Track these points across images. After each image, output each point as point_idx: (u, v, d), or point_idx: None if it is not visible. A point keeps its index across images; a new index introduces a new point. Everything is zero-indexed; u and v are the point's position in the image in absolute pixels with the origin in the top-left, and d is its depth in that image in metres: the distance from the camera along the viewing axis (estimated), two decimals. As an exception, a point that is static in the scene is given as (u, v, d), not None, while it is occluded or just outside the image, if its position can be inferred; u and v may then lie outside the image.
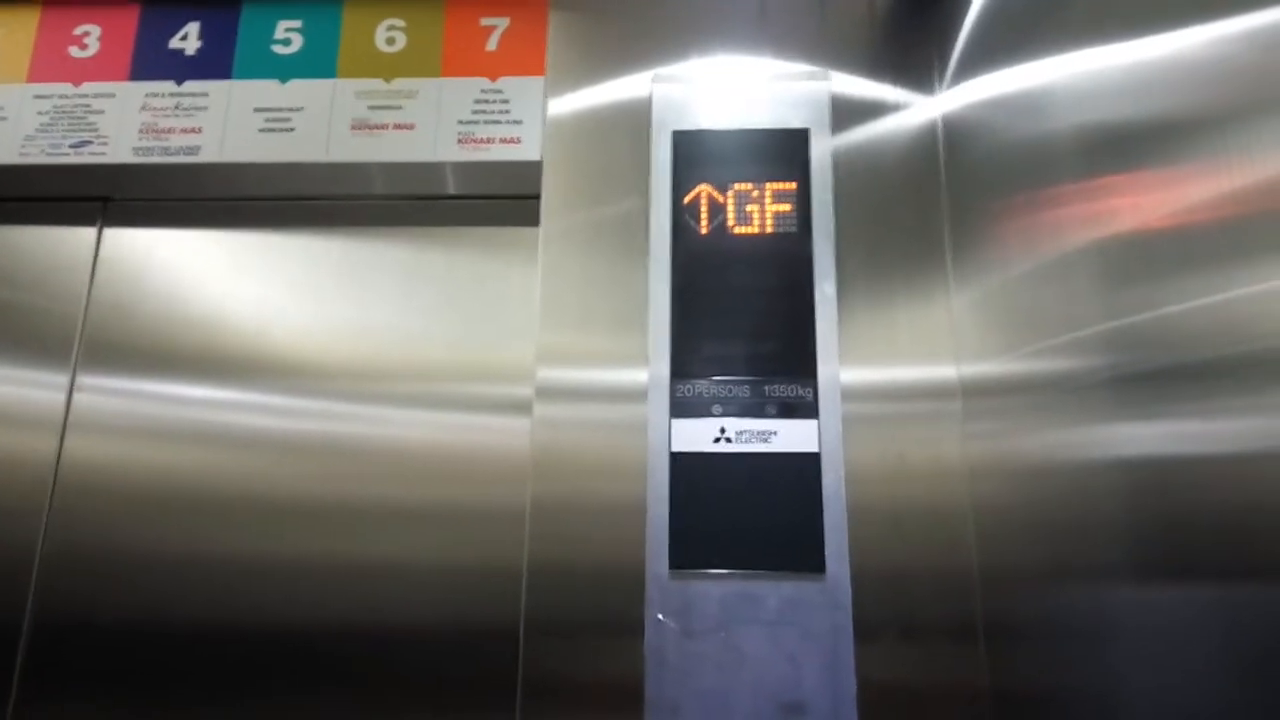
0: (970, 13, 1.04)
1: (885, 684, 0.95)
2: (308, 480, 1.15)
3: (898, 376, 1.04)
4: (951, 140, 1.08)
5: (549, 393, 1.06)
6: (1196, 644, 0.59)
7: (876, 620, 0.96)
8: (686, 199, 1.10)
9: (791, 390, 1.02)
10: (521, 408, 1.14)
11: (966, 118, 1.04)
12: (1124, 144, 0.69)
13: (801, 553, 0.98)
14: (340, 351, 1.20)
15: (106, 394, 1.21)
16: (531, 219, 1.14)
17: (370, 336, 1.20)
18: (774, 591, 0.97)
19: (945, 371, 1.04)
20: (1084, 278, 0.74)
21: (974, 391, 1.00)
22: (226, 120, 1.20)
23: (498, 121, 1.17)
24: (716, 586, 0.98)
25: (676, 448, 1.02)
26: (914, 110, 1.12)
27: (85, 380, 1.21)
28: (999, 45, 0.96)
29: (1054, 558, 0.81)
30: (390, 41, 1.21)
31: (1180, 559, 0.61)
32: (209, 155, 1.19)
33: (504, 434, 1.15)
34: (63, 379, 1.22)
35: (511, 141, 1.16)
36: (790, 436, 1.01)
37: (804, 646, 0.95)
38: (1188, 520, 0.60)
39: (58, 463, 1.18)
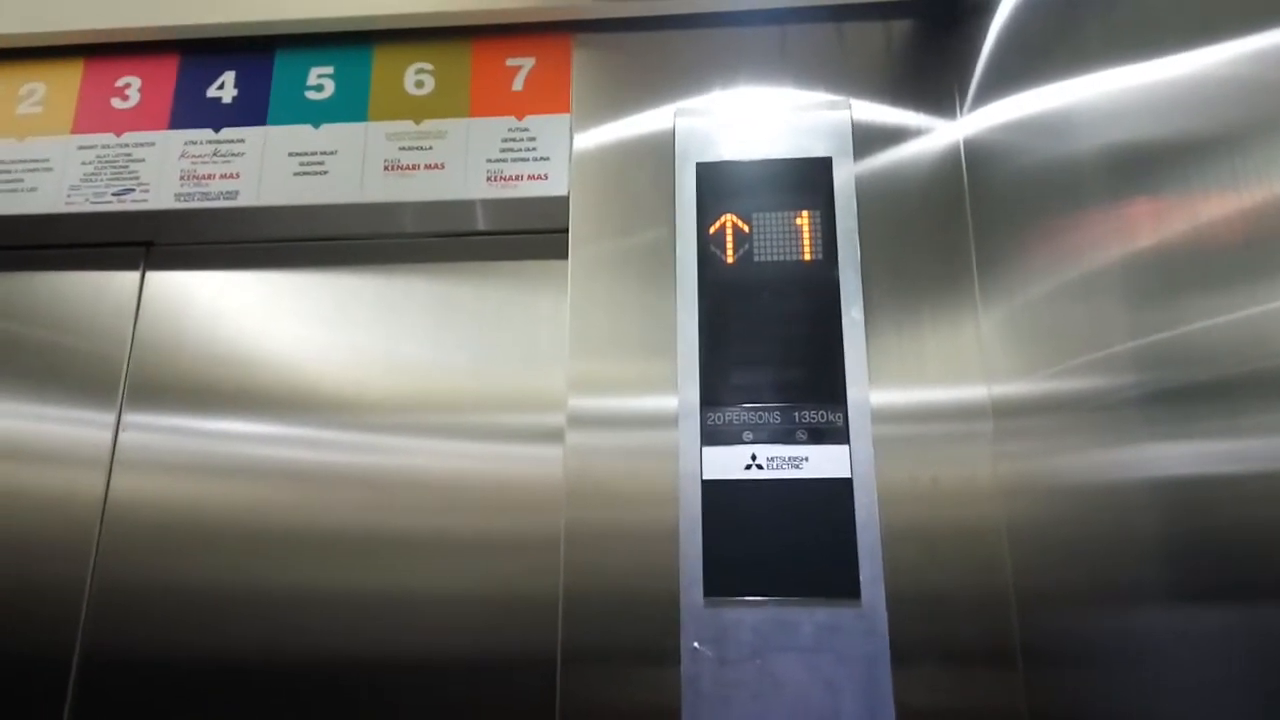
0: (988, 37, 1.05)
1: (923, 709, 0.94)
2: (347, 512, 1.17)
3: (928, 398, 1.04)
4: (974, 163, 1.09)
5: (581, 421, 1.07)
6: (1235, 665, 0.59)
7: (913, 645, 0.96)
8: (712, 229, 1.11)
9: (821, 416, 1.03)
10: (553, 436, 1.16)
11: (988, 141, 1.04)
12: (1144, 163, 0.69)
13: (836, 579, 0.98)
14: (376, 385, 1.22)
15: (152, 431, 1.24)
16: (560, 252, 1.16)
17: (405, 370, 1.22)
18: (809, 618, 0.97)
19: (976, 392, 1.04)
20: (1109, 296, 0.75)
21: (1005, 411, 0.99)
22: (263, 165, 1.23)
23: (525, 159, 1.19)
24: (751, 614, 0.98)
25: (708, 475, 1.02)
26: (936, 135, 1.13)
27: (131, 419, 1.25)
28: (1017, 69, 0.96)
29: (1089, 579, 0.81)
30: (419, 85, 1.24)
31: (1215, 579, 0.61)
32: (247, 199, 1.22)
33: (537, 462, 1.17)
34: (109, 418, 1.25)
35: (539, 178, 1.18)
36: (822, 462, 1.01)
37: (840, 673, 0.95)
38: (1221, 540, 0.60)
39: (105, 500, 1.21)
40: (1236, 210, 0.58)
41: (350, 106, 1.24)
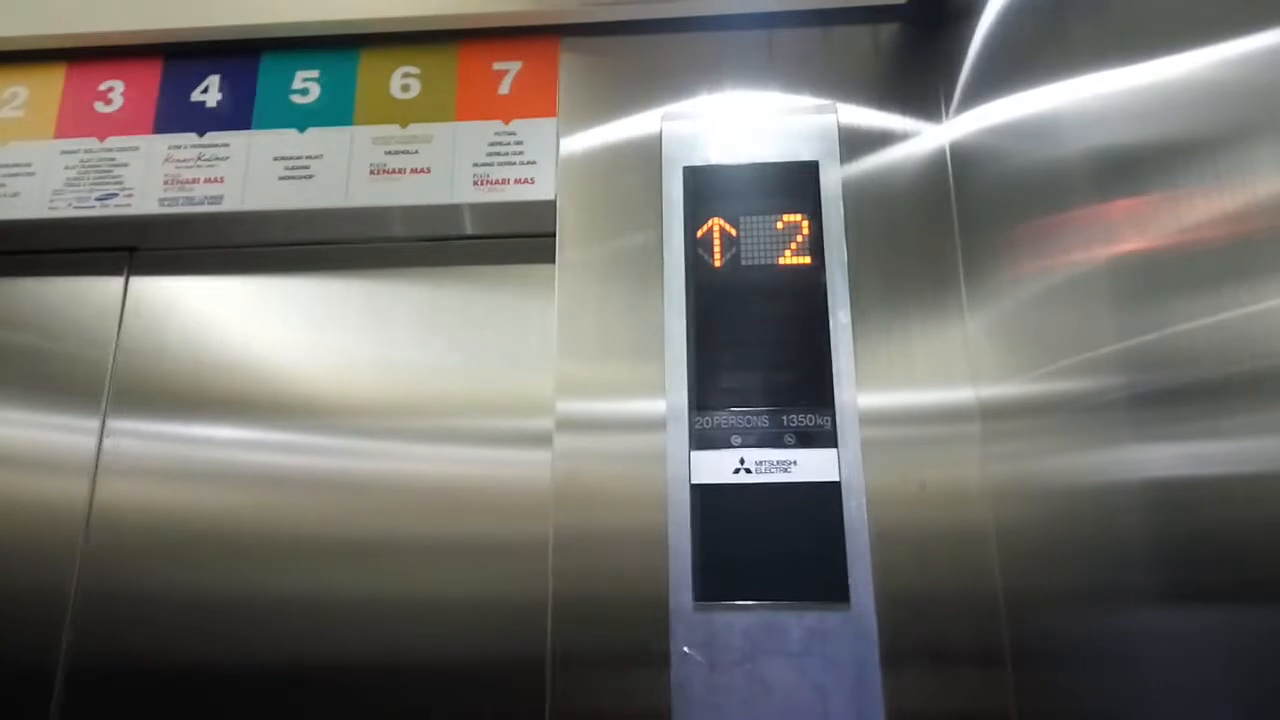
0: (974, 42, 1.05)
1: (913, 713, 0.94)
2: (334, 517, 1.17)
3: (916, 401, 1.04)
4: (960, 166, 1.09)
5: (569, 425, 1.07)
6: (1223, 666, 0.59)
7: (902, 648, 0.96)
8: (699, 233, 1.11)
9: (810, 419, 1.03)
10: (542, 440, 1.15)
11: (974, 144, 1.05)
12: (1129, 166, 0.70)
13: (825, 582, 0.98)
14: (364, 390, 1.21)
15: (136, 437, 1.23)
16: (547, 256, 1.15)
17: (392, 375, 1.22)
18: (798, 622, 0.97)
19: (963, 394, 1.04)
20: (1094, 298, 0.75)
21: (992, 414, 1.00)
22: (247, 169, 1.22)
23: (512, 163, 1.19)
24: (740, 618, 0.98)
25: (697, 479, 1.02)
26: (922, 138, 1.13)
27: (115, 425, 1.24)
28: (1003, 73, 0.97)
29: (1078, 580, 0.81)
30: (405, 89, 1.24)
31: (1202, 580, 0.61)
32: (231, 204, 1.21)
33: (525, 466, 1.16)
34: (94, 424, 1.24)
35: (526, 182, 1.18)
36: (810, 466, 1.02)
37: (830, 677, 0.95)
38: (1208, 540, 0.60)
39: (90, 506, 1.20)
40: (1220, 213, 0.58)
41: (336, 110, 1.24)
